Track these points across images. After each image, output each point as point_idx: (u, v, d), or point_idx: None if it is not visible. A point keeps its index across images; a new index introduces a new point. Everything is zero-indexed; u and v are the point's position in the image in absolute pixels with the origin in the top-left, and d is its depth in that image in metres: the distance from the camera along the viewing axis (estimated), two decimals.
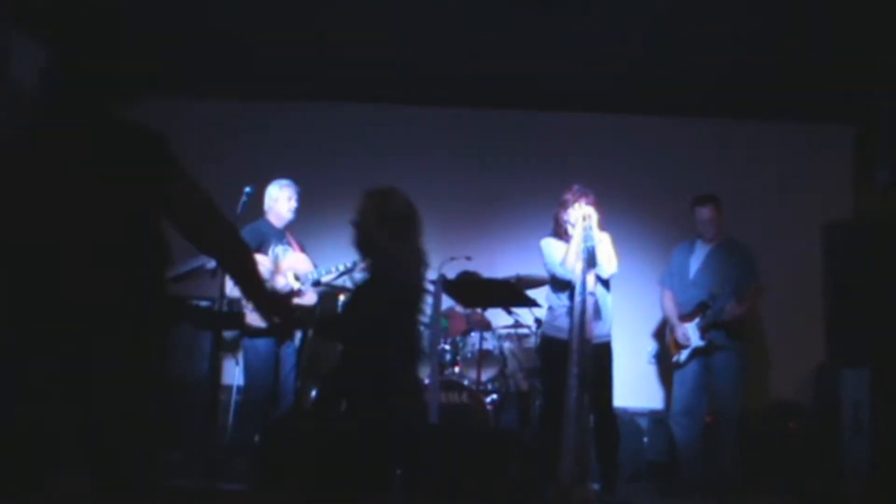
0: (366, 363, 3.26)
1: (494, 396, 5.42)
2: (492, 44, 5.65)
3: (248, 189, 4.67)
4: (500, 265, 6.04)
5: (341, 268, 5.11)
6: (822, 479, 5.15)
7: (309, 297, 5.09)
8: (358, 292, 3.73)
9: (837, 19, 5.05)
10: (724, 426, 5.14)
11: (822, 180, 6.54)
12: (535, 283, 5.53)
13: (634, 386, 6.00)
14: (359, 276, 4.63)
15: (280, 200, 5.29)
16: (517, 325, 5.86)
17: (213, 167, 4.85)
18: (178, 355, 5.36)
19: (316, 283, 5.09)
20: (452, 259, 5.60)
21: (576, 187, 4.76)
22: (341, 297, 5.46)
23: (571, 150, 6.63)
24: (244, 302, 4.64)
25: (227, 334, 5.50)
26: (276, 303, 2.97)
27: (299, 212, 5.40)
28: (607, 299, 4.77)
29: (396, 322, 3.29)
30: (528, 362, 5.94)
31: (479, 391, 5.24)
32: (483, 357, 5.47)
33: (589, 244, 4.51)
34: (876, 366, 4.52)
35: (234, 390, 5.45)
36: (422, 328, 3.68)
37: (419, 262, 3.41)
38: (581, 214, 4.60)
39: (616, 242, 4.85)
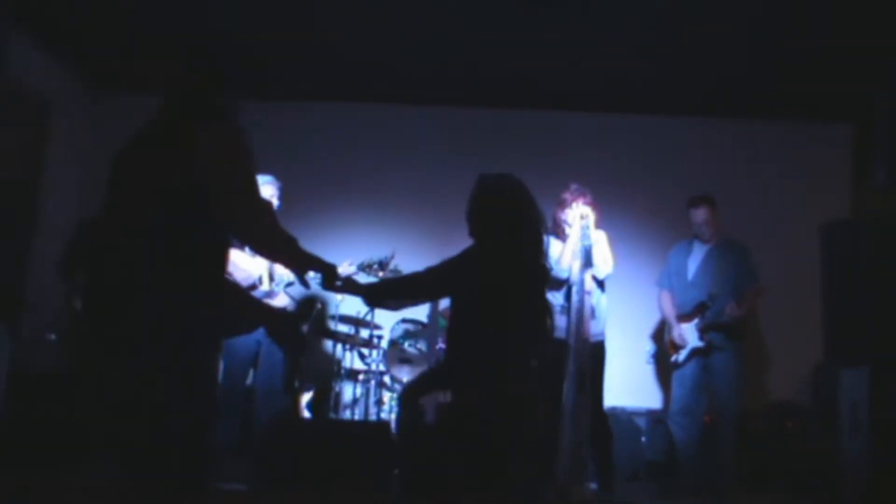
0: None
1: None
2: (492, 43, 5.66)
3: None
4: None
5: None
6: (821, 478, 5.15)
7: (280, 300, 5.05)
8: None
9: (836, 18, 5.05)
10: (723, 426, 5.14)
11: (820, 179, 6.55)
12: None
13: (633, 386, 6.02)
14: (315, 285, 4.60)
15: None
16: None
17: None
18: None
19: (289, 285, 5.06)
20: None
21: (573, 187, 4.77)
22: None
23: (570, 150, 6.63)
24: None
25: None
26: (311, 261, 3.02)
27: (294, 211, 5.37)
28: (601, 299, 4.78)
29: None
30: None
31: None
32: None
33: (586, 243, 4.52)
34: (874, 365, 4.51)
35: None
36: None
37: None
38: (578, 214, 4.62)
39: (614, 242, 4.85)
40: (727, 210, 5.51)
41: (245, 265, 4.94)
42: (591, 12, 5.14)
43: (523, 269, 3.26)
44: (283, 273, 5.04)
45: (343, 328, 5.75)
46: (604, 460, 4.68)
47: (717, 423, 5.20)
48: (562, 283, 4.70)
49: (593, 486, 4.61)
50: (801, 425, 5.70)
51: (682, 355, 5.21)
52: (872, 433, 4.48)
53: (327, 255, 5.81)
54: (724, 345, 5.12)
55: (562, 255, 4.64)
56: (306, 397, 5.70)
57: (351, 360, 5.73)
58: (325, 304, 6.14)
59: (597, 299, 4.70)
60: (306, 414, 5.66)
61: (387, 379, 5.64)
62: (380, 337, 5.82)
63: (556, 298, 4.77)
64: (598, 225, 4.76)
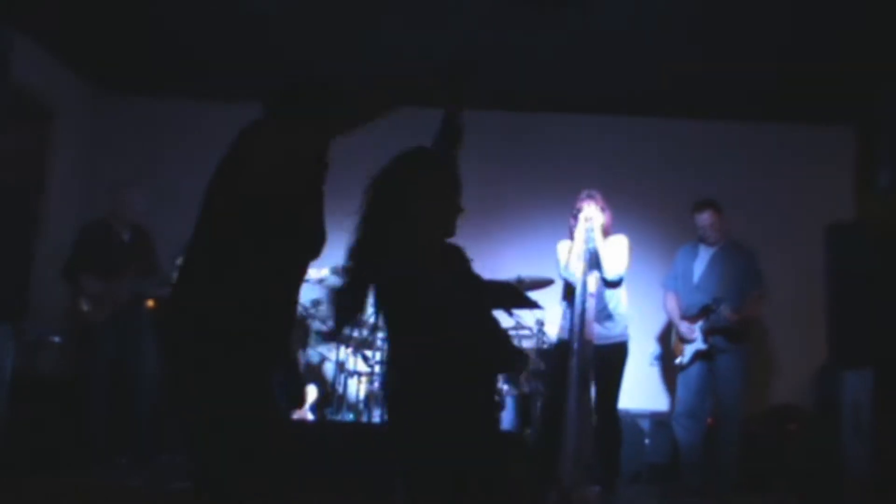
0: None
1: (495, 398, 5.42)
2: (494, 45, 5.66)
3: None
4: (501, 267, 6.03)
5: None
6: (823, 481, 5.14)
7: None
8: None
9: (839, 22, 5.05)
10: (727, 429, 5.14)
11: (824, 182, 6.54)
12: (537, 284, 5.54)
13: (636, 388, 5.99)
14: None
15: None
16: (518, 326, 5.86)
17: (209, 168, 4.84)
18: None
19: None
20: None
21: (584, 193, 4.79)
22: None
23: (573, 152, 6.63)
24: None
25: None
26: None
27: None
28: (618, 300, 4.77)
29: None
30: (529, 364, 5.94)
31: None
32: None
33: (590, 246, 4.52)
34: (878, 368, 4.52)
35: None
36: None
37: None
38: (582, 217, 4.63)
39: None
40: (732, 213, 5.50)
41: None
42: (595, 14, 5.15)
43: None
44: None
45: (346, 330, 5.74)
46: (609, 463, 4.68)
47: (720, 425, 5.20)
48: (571, 287, 4.71)
49: (597, 488, 4.60)
50: (804, 428, 5.70)
51: (686, 357, 5.21)
52: (875, 436, 4.48)
53: (329, 257, 5.84)
54: (727, 347, 5.12)
55: (567, 258, 4.66)
56: (310, 399, 5.70)
57: (355, 362, 5.72)
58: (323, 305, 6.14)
59: (612, 300, 4.69)
60: (310, 416, 5.66)
61: None
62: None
63: (565, 301, 4.79)
64: (610, 227, 4.76)
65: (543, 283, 5.55)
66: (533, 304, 5.32)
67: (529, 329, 5.83)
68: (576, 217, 4.75)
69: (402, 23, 5.38)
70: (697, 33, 5.35)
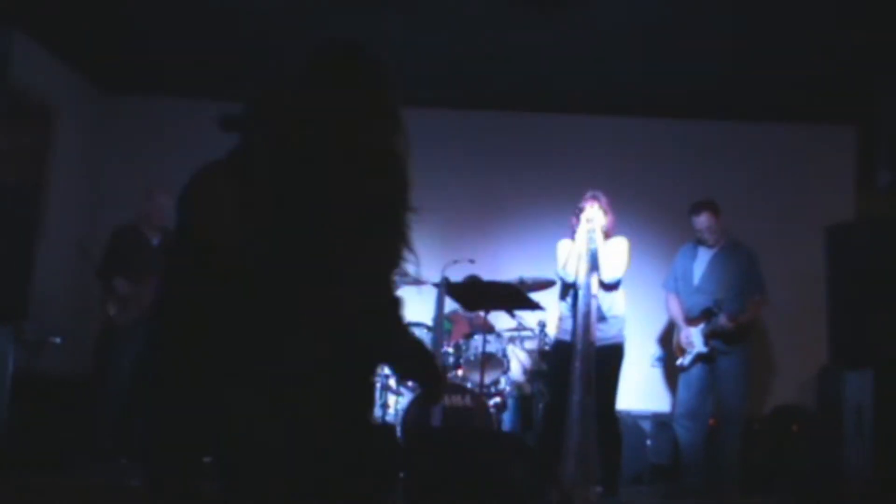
0: None
1: (497, 399, 5.42)
2: (498, 45, 5.66)
3: None
4: (503, 268, 6.04)
5: None
6: (825, 482, 5.14)
7: None
8: None
9: (839, 21, 5.05)
10: (728, 429, 5.14)
11: (825, 182, 6.54)
12: (538, 285, 5.54)
13: (637, 389, 6.00)
14: None
15: None
16: (520, 327, 5.86)
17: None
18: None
19: None
20: (455, 262, 5.61)
21: (589, 193, 4.78)
22: None
23: (575, 153, 6.64)
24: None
25: None
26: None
27: None
28: (615, 302, 4.76)
29: None
30: (531, 365, 5.94)
31: (481, 394, 5.23)
32: (486, 360, 5.47)
33: (591, 247, 4.52)
34: (879, 369, 4.51)
35: None
36: None
37: None
38: (584, 217, 4.62)
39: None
40: (732, 213, 5.50)
41: None
42: (597, 15, 5.15)
43: None
44: None
45: None
46: (610, 464, 4.68)
47: (722, 426, 5.20)
48: (568, 287, 4.71)
49: (599, 489, 4.60)
50: (805, 428, 5.70)
51: (687, 359, 5.20)
52: (877, 437, 4.48)
53: None
54: (728, 349, 5.12)
55: (567, 259, 4.66)
56: None
57: None
58: None
59: (608, 302, 4.69)
60: None
61: (392, 382, 5.63)
62: None
63: (565, 301, 4.79)
64: (612, 230, 4.76)
65: (545, 285, 5.55)
66: (534, 306, 5.33)
67: (531, 330, 5.83)
68: (578, 216, 4.75)
69: (402, 23, 5.38)
70: (697, 33, 5.35)
